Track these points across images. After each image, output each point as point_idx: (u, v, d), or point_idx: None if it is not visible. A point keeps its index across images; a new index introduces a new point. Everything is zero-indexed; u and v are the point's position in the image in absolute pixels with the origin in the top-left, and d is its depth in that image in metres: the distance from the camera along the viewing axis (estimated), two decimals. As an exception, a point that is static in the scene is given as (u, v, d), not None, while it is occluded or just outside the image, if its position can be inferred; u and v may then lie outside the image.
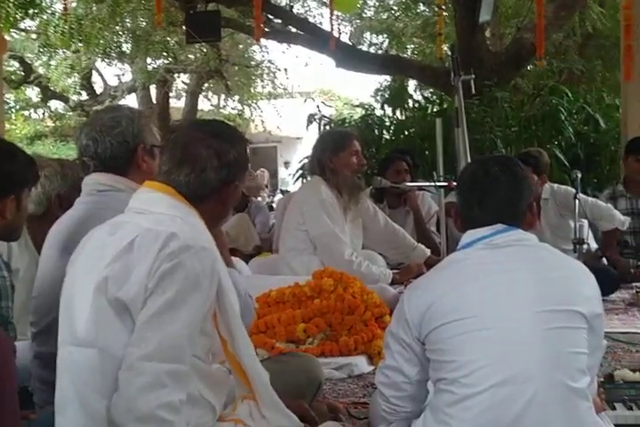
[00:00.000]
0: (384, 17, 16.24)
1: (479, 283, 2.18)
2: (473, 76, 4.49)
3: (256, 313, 3.71)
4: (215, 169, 2.09)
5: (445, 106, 8.76)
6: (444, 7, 11.64)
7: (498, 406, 2.04)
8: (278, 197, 12.98)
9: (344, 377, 3.42)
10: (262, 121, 16.82)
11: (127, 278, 1.89)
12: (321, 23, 13.38)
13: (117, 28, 11.98)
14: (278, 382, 2.42)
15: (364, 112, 9.59)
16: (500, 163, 2.34)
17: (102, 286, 1.90)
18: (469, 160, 4.29)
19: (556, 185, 5.64)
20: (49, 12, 11.05)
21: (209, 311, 1.97)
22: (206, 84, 17.00)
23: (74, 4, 10.86)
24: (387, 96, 9.39)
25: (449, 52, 13.35)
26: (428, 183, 4.94)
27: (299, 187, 6.18)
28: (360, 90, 17.94)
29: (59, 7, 10.26)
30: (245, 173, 2.20)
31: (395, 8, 16.05)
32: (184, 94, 17.61)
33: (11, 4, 9.11)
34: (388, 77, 12.57)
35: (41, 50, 12.44)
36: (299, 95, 20.66)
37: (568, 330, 2.12)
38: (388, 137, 8.74)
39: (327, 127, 9.12)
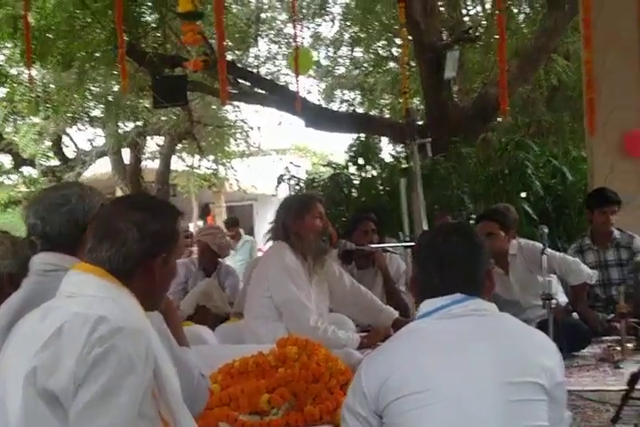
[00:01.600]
0: (355, 73, 16.49)
1: (436, 354, 2.15)
2: (429, 139, 4.49)
3: (219, 385, 3.67)
4: (136, 241, 2.03)
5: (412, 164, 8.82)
6: (408, 65, 11.85)
7: (455, 484, 1.99)
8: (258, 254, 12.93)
9: (309, 449, 3.33)
10: (237, 180, 16.87)
11: (56, 367, 1.82)
12: (290, 83, 13.52)
13: (86, 93, 12.02)
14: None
15: (332, 171, 9.63)
16: (457, 231, 2.34)
17: (31, 375, 1.84)
18: (425, 224, 4.27)
19: (523, 241, 5.63)
20: (15, 80, 11.10)
21: (147, 393, 1.90)
22: (180, 145, 17.06)
23: (39, 73, 10.92)
24: (354, 154, 9.41)
25: (419, 108, 13.62)
26: (392, 244, 4.92)
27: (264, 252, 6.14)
28: (335, 145, 18.09)
29: (25, 76, 10.31)
30: (176, 245, 2.13)
31: (365, 65, 16.30)
32: (158, 156, 17.65)
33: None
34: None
35: (9, 118, 12.46)
36: (274, 152, 20.80)
37: (528, 403, 2.09)
38: (356, 195, 8.75)
39: (297, 187, 9.13)
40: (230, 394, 3.61)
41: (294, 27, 9.11)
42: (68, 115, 12.17)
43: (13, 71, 11.33)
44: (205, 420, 3.43)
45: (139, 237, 2.03)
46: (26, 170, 17.48)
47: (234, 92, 10.92)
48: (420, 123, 10.21)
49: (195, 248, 9.82)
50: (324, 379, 3.65)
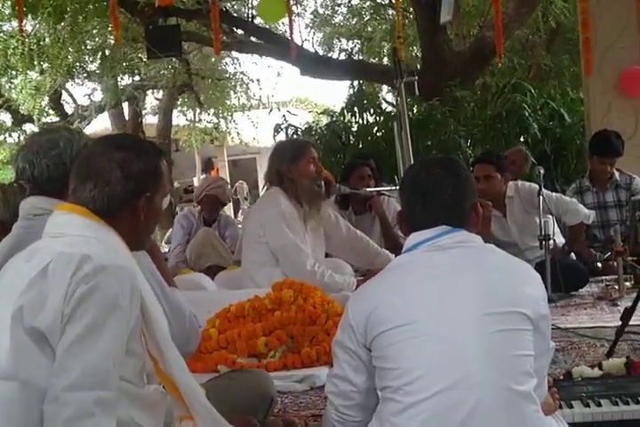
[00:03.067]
0: (353, 22, 16.31)
1: (422, 287, 2.15)
2: (416, 77, 4.46)
3: (216, 329, 3.71)
4: (119, 181, 2.02)
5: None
6: (406, 11, 11.72)
7: (442, 414, 2.02)
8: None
9: (306, 389, 3.37)
10: (238, 133, 16.79)
11: (42, 306, 1.84)
12: (285, 31, 13.36)
13: (81, 47, 11.90)
14: (227, 399, 2.39)
15: (330, 119, 9.58)
16: (441, 164, 2.32)
17: (18, 315, 1.85)
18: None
19: (520, 182, 5.61)
20: (6, 34, 10.99)
21: (135, 331, 1.92)
22: (180, 100, 16.94)
23: (30, 26, 10.81)
24: (351, 101, 9.35)
25: (418, 54, 13.48)
26: (387, 188, 4.91)
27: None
28: (336, 96, 17.99)
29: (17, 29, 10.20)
30: (160, 184, 2.12)
31: (364, 13, 16.11)
32: (158, 110, 17.56)
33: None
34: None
35: (2, 72, 12.34)
36: (275, 105, 20.67)
37: (512, 332, 2.09)
38: (353, 142, 8.71)
39: (294, 136, 9.09)
40: (228, 338, 3.65)
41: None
42: (64, 69, 12.04)
43: (6, 26, 11.23)
44: (204, 363, 3.49)
45: (122, 176, 2.03)
46: (27, 127, 17.44)
47: (229, 41, 10.82)
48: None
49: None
50: (320, 321, 3.68)
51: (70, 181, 2.08)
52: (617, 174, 5.97)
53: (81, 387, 1.77)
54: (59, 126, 3.22)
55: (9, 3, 9.89)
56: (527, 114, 7.85)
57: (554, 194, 5.52)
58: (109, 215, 2.03)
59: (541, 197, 5.06)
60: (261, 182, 21.27)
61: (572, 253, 5.61)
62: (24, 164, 2.65)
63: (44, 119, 15.79)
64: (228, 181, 15.22)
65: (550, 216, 5.12)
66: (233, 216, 13.31)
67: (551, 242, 4.95)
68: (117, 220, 2.04)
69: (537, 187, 5.17)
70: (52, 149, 2.63)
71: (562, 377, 2.94)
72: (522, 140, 7.89)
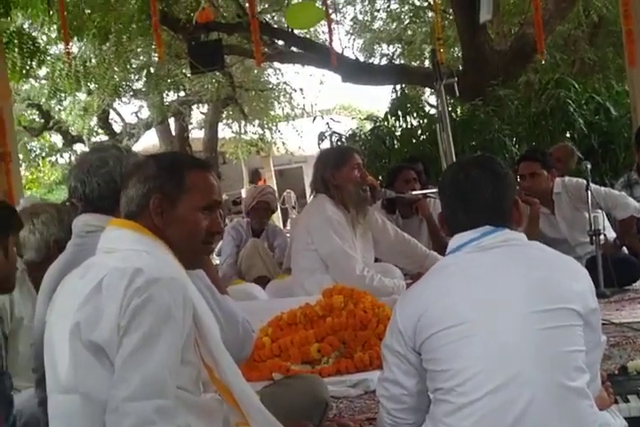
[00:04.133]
0: (393, 27, 16.29)
1: (468, 288, 2.16)
2: (455, 78, 4.46)
3: (269, 337, 3.76)
4: (134, 185, 2.14)
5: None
6: (445, 12, 11.68)
7: (495, 413, 2.02)
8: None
9: (361, 394, 3.39)
10: (283, 143, 16.89)
11: (99, 320, 1.89)
12: (325, 40, 13.42)
13: (126, 66, 12.11)
14: (282, 405, 2.41)
15: (373, 124, 9.59)
16: (478, 164, 2.32)
17: (76, 330, 1.91)
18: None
19: (567, 178, 5.57)
20: (54, 57, 11.23)
21: (189, 340, 1.96)
22: (225, 113, 17.11)
23: (76, 48, 11.04)
24: (394, 106, 9.35)
25: (459, 55, 13.42)
26: (433, 190, 4.92)
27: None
28: (380, 101, 17.97)
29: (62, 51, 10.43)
30: (184, 192, 2.12)
31: (403, 17, 16.09)
32: (204, 124, 17.75)
33: (15, 54, 9.27)
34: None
35: (51, 95, 12.62)
36: (319, 113, 20.74)
37: (562, 329, 2.09)
38: (398, 146, 8.71)
39: (339, 143, 9.12)
40: (281, 345, 3.68)
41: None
42: (111, 88, 12.27)
43: (53, 49, 11.47)
44: (259, 372, 3.53)
45: (135, 180, 2.14)
46: (77, 148, 17.78)
47: (270, 52, 10.90)
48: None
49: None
50: (371, 325, 3.70)
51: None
52: (666, 166, 5.90)
53: (140, 397, 1.82)
54: (108, 145, 3.30)
55: (55, 26, 10.10)
56: (572, 109, 7.77)
57: (602, 188, 5.46)
58: (135, 217, 2.10)
59: (589, 191, 5.02)
60: (309, 191, 21.36)
61: (624, 247, 5.54)
62: (76, 183, 2.73)
63: (93, 139, 16.09)
64: (276, 191, 15.32)
65: (600, 211, 5.07)
66: (281, 226, 13.36)
67: (602, 237, 4.91)
68: (160, 230, 2.09)
69: (584, 182, 5.12)
70: (101, 168, 2.70)
71: (617, 372, 2.93)
72: (568, 135, 7.82)
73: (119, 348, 1.87)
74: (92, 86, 12.47)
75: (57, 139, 17.95)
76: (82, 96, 13.40)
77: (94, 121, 16.02)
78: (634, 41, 6.87)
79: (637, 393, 2.68)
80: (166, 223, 2.10)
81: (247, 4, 8.77)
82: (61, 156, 18.85)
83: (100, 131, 16.86)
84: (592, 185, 5.12)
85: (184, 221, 2.13)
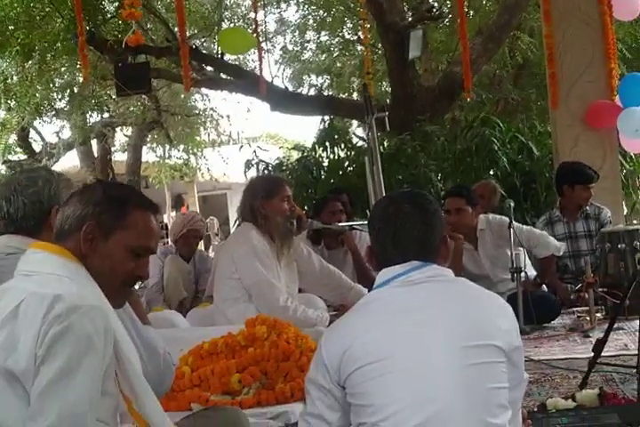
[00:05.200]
0: (322, 58, 16.47)
1: (395, 322, 2.14)
2: (386, 113, 4.51)
3: (189, 367, 3.68)
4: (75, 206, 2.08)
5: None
6: (375, 47, 11.85)
7: (419, 449, 2.00)
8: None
9: (281, 426, 3.34)
10: (208, 169, 16.81)
11: (14, 347, 1.81)
12: (255, 68, 13.47)
13: (50, 84, 11.91)
14: (202, 438, 2.35)
15: (301, 154, 9.62)
16: (409, 199, 2.32)
17: None
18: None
19: (491, 215, 5.66)
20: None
21: (109, 371, 1.89)
22: (149, 136, 16.96)
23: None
24: (321, 136, 9.41)
25: (387, 89, 13.62)
26: (359, 222, 4.92)
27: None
28: (306, 131, 18.13)
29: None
30: (118, 227, 2.06)
31: (332, 49, 16.29)
32: (127, 147, 17.54)
33: None
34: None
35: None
36: (245, 141, 20.74)
37: (486, 365, 2.09)
38: (325, 177, 8.75)
39: (266, 172, 9.11)
40: (201, 375, 3.61)
41: (255, 11, 9.10)
42: (32, 107, 12.03)
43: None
44: (177, 402, 3.45)
45: (76, 201, 2.08)
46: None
47: (198, 78, 10.87)
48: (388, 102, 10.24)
49: (168, 239, 9.78)
50: (294, 357, 3.66)
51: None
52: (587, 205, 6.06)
53: None
54: (38, 167, 3.25)
55: (-24, 42, 9.89)
56: (496, 148, 7.93)
57: (524, 227, 5.57)
58: (64, 237, 2.04)
59: (512, 229, 5.12)
60: (232, 218, 21.27)
61: (544, 285, 5.65)
62: (0, 200, 2.65)
63: (10, 157, 15.73)
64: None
65: (521, 249, 5.16)
66: (204, 252, 13.22)
67: (523, 274, 5.00)
68: (84, 257, 2.02)
69: (507, 220, 5.22)
70: (29, 187, 2.64)
71: (536, 409, 2.95)
72: (491, 173, 7.97)
73: (35, 377, 1.79)
74: (12, 103, 12.23)
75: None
76: (0, 113, 13.11)
77: (12, 139, 15.67)
78: (557, 83, 7.11)
79: (556, 431, 2.69)
80: (92, 252, 2.03)
81: (177, 29, 8.75)
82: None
83: (18, 149, 16.50)
84: (514, 223, 5.22)
85: (110, 255, 2.05)
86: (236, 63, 12.81)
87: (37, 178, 2.66)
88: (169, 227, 14.44)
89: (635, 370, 3.26)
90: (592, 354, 3.53)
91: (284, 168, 9.19)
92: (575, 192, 5.99)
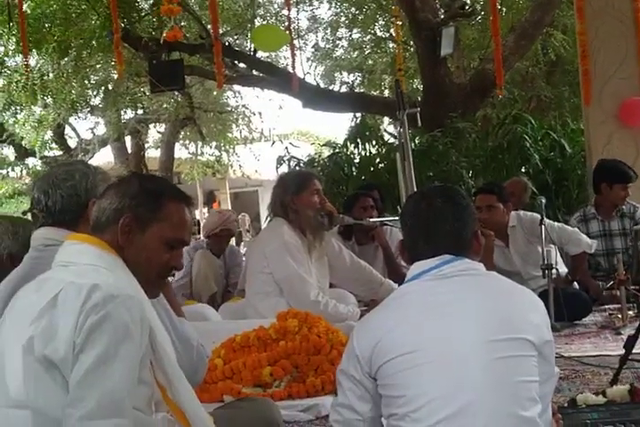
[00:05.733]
0: (354, 55, 16.47)
1: (426, 315, 2.16)
2: (418, 109, 4.53)
3: (221, 359, 3.73)
4: (111, 199, 2.12)
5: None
6: (407, 44, 11.83)
7: (448, 440, 2.02)
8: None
9: (312, 419, 3.38)
10: (240, 166, 16.88)
11: (53, 335, 1.85)
12: (287, 65, 13.51)
13: (85, 81, 12.04)
14: (234, 427, 2.39)
15: (332, 151, 9.64)
16: (441, 193, 2.33)
17: (29, 344, 1.86)
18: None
19: (522, 212, 5.65)
20: (11, 69, 11.12)
21: (144, 359, 1.93)
22: (182, 133, 17.06)
23: (34, 61, 10.95)
24: (353, 133, 9.43)
25: (419, 87, 13.60)
26: (390, 218, 4.94)
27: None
28: (337, 128, 18.12)
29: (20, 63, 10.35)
30: (156, 218, 2.10)
31: (364, 46, 16.28)
32: (160, 144, 17.66)
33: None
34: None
35: (6, 107, 12.46)
36: (277, 138, 20.80)
37: (517, 358, 2.10)
38: (356, 174, 8.77)
39: (297, 168, 9.14)
40: (233, 368, 3.66)
41: (288, 9, 9.14)
42: (68, 103, 12.17)
43: (10, 61, 11.36)
44: (210, 394, 3.50)
45: (112, 194, 2.12)
46: (30, 162, 17.55)
47: (231, 75, 10.93)
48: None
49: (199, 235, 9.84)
50: (324, 350, 3.70)
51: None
52: (622, 203, 6.03)
53: (98, 416, 1.79)
54: (76, 160, 3.28)
55: (14, 39, 10.02)
56: (528, 145, 7.91)
57: (556, 224, 5.55)
58: (101, 229, 2.08)
59: (543, 226, 5.10)
60: (263, 215, 21.34)
61: (575, 283, 5.62)
62: (39, 194, 2.70)
63: (46, 153, 15.89)
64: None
65: (553, 246, 5.15)
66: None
67: (554, 271, 4.99)
68: (121, 248, 2.06)
69: (539, 217, 5.20)
70: (67, 181, 2.68)
71: (566, 404, 2.95)
72: (523, 170, 7.94)
73: (74, 365, 1.83)
74: (48, 100, 12.36)
75: (9, 152, 17.68)
76: (37, 110, 13.26)
77: (48, 135, 15.84)
78: (590, 81, 7.06)
79: (586, 426, 2.70)
80: (129, 244, 2.07)
81: (210, 26, 8.81)
82: (12, 169, 18.56)
83: (53, 145, 16.67)
84: (546, 220, 5.20)
85: (147, 248, 2.09)
86: (269, 60, 12.83)
87: (74, 171, 2.70)
88: (201, 223, 14.57)
89: (666, 367, 3.26)
90: (623, 351, 3.52)
91: (316, 165, 9.22)
92: (613, 191, 5.96)
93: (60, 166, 2.83)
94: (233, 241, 8.56)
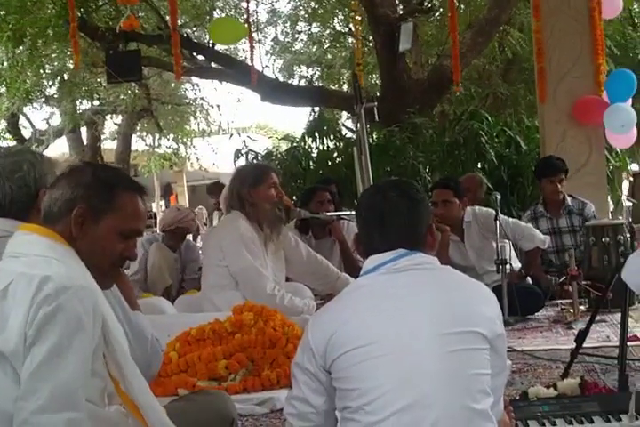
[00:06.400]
0: (313, 49, 16.48)
1: (380, 308, 2.17)
2: (375, 103, 4.55)
3: (176, 352, 3.71)
4: (63, 188, 2.08)
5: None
6: (366, 40, 11.86)
7: (401, 433, 2.03)
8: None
9: (266, 412, 3.38)
10: (197, 158, 16.80)
11: (4, 327, 1.83)
12: (246, 58, 13.47)
13: (40, 71, 11.87)
14: (188, 420, 2.37)
15: (290, 145, 9.64)
16: (396, 187, 2.34)
17: None
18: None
19: (477, 207, 5.71)
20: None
21: (97, 351, 1.92)
22: (139, 125, 16.92)
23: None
24: (311, 127, 9.44)
25: (377, 82, 13.64)
26: (347, 212, 4.96)
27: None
28: (296, 122, 18.13)
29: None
30: (109, 209, 2.08)
31: (323, 40, 16.29)
32: (117, 135, 17.51)
33: None
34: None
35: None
36: (235, 131, 20.72)
37: (469, 352, 2.12)
38: (313, 168, 8.77)
39: (255, 161, 9.13)
40: (188, 361, 3.65)
41: (247, 1, 9.11)
42: (22, 93, 11.99)
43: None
44: (164, 387, 3.49)
45: (65, 184, 2.08)
46: (-18, 151, 17.26)
47: (189, 67, 10.86)
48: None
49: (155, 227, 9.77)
50: (280, 344, 3.71)
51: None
52: (569, 200, 6.11)
53: (51, 409, 1.77)
54: (22, 148, 3.21)
55: (-32, 26, 9.84)
56: (484, 141, 7.98)
57: (510, 219, 5.62)
58: (53, 220, 2.04)
59: (498, 222, 5.15)
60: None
61: (529, 278, 5.70)
62: None
63: (0, 143, 15.66)
64: (187, 206, 15.15)
65: (507, 241, 5.21)
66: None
67: (508, 266, 5.05)
68: (73, 239, 2.03)
69: (494, 212, 5.26)
70: (15, 172, 2.63)
71: (518, 397, 2.99)
72: (479, 166, 8.02)
73: (25, 357, 1.81)
74: (2, 89, 12.19)
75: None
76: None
77: (2, 125, 15.62)
78: (545, 78, 7.15)
79: (537, 419, 2.74)
80: (82, 235, 2.05)
81: (168, 17, 8.75)
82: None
83: (7, 135, 16.43)
84: (501, 215, 5.26)
85: (100, 238, 2.07)
86: (227, 53, 12.77)
87: (22, 162, 2.65)
88: (157, 216, 14.46)
89: (616, 361, 3.32)
90: (574, 345, 3.58)
91: (274, 158, 9.21)
92: (543, 186, 6.06)
93: (6, 157, 2.76)
94: (190, 235, 8.53)
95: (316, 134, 9.12)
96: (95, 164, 2.24)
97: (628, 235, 5.32)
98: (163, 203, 20.97)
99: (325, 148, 9.07)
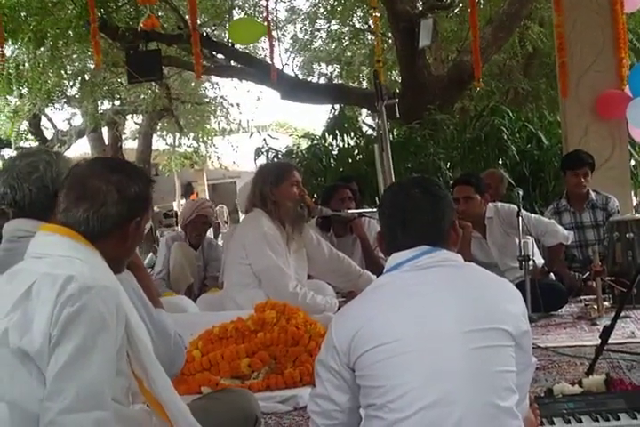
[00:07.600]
0: (332, 47, 16.47)
1: (404, 306, 2.16)
2: (396, 100, 4.52)
3: (199, 351, 3.72)
4: (115, 204, 2.03)
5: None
6: (385, 36, 11.83)
7: (426, 430, 2.03)
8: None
9: (289, 410, 3.38)
10: (218, 157, 16.83)
11: (28, 327, 1.84)
12: (265, 56, 13.48)
13: (61, 71, 11.94)
14: (211, 419, 2.38)
15: (310, 143, 9.64)
16: (419, 184, 2.33)
17: (4, 336, 1.84)
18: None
19: (499, 204, 5.67)
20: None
21: (121, 350, 1.92)
22: (160, 124, 16.98)
23: (10, 51, 10.84)
24: (331, 125, 9.43)
25: (397, 79, 13.62)
26: (368, 209, 4.94)
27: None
28: (316, 120, 18.17)
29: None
30: (148, 210, 2.15)
31: (343, 38, 16.27)
32: (138, 135, 17.58)
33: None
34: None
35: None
36: (255, 129, 20.76)
37: (494, 349, 2.11)
38: (334, 165, 8.77)
39: (275, 160, 9.13)
40: (211, 359, 3.66)
41: (267, 0, 9.11)
42: (44, 93, 12.06)
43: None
44: (188, 385, 3.50)
45: (118, 199, 2.04)
46: (5, 153, 17.39)
47: (209, 66, 10.89)
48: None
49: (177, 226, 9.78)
50: (303, 342, 3.70)
51: (61, 201, 2.07)
52: (593, 195, 6.06)
53: (78, 409, 1.78)
54: (38, 149, 3.21)
55: (-11, 27, 9.90)
56: (505, 137, 7.94)
57: (532, 215, 5.58)
58: (99, 237, 2.02)
59: (520, 218, 5.12)
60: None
61: (552, 274, 5.66)
62: (5, 189, 2.64)
63: (22, 144, 15.76)
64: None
65: (529, 237, 5.17)
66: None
67: (530, 263, 5.01)
68: (106, 242, 2.04)
69: (516, 208, 5.23)
70: (32, 173, 2.63)
71: (543, 394, 2.97)
72: (500, 162, 7.98)
73: (50, 357, 1.82)
74: (24, 90, 12.26)
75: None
76: (12, 100, 13.14)
77: (24, 126, 15.72)
78: (567, 73, 7.10)
79: (562, 416, 2.72)
80: (130, 242, 2.13)
81: (188, 16, 8.77)
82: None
83: (29, 136, 16.54)
84: (523, 211, 5.22)
85: (140, 236, 2.15)
86: (247, 51, 12.78)
87: (38, 162, 2.65)
88: (178, 215, 14.51)
89: (641, 357, 3.29)
90: (599, 341, 3.55)
91: (294, 156, 9.21)
92: (567, 178, 6.02)
93: (22, 158, 2.76)
94: (211, 233, 8.54)
95: (337, 132, 9.11)
96: (124, 176, 2.20)
97: (653, 230, 5.28)
98: (184, 202, 21.04)
99: (346, 145, 9.06)
